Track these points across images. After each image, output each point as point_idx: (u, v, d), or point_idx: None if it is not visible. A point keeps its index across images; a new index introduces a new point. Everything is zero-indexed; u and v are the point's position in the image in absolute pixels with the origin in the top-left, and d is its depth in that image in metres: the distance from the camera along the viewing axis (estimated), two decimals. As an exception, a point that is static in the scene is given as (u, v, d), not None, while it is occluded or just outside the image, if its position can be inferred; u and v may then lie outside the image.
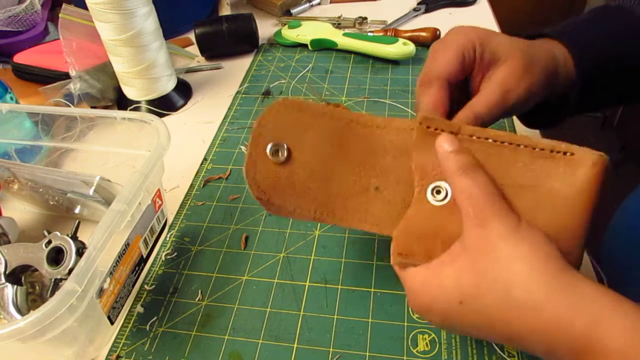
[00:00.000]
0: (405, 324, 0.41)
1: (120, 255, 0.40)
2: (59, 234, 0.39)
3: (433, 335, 0.40)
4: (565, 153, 0.31)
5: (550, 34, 0.42)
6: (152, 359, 0.40)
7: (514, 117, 0.56)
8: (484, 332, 0.29)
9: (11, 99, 0.58)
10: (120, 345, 0.41)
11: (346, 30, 0.79)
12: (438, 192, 0.33)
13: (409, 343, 0.39)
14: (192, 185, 0.56)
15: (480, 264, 0.28)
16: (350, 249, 0.47)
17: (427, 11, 0.87)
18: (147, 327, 0.42)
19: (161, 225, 0.47)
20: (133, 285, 0.44)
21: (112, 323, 0.41)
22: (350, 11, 0.87)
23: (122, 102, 0.68)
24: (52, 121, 0.53)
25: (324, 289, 0.44)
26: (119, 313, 0.42)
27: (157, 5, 0.62)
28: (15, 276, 0.39)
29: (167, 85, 0.67)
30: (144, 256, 0.45)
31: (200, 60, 0.79)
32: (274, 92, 0.70)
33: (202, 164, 0.59)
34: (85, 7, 0.59)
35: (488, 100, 0.37)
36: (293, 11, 0.89)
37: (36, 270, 0.39)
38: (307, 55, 0.77)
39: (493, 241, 0.29)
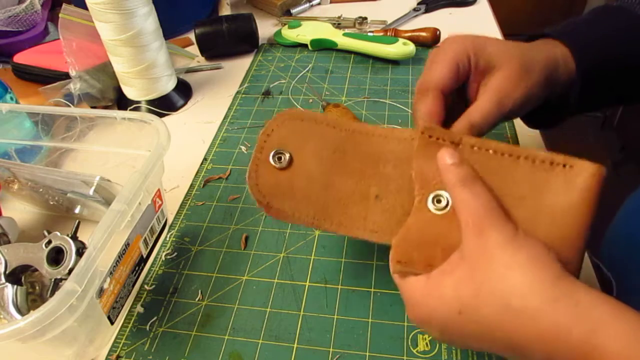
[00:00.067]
0: (405, 324, 0.41)
1: (120, 255, 0.40)
2: (59, 234, 0.39)
3: (433, 335, 0.40)
4: (564, 165, 0.31)
5: (551, 34, 0.42)
6: (152, 359, 0.40)
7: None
8: (484, 343, 0.29)
9: (11, 99, 0.58)
10: (120, 345, 0.41)
11: (346, 30, 0.79)
12: (439, 201, 0.33)
13: (409, 343, 0.39)
14: (192, 185, 0.56)
15: (479, 274, 0.28)
16: (350, 249, 0.47)
17: (427, 11, 0.87)
18: (147, 327, 0.42)
19: (161, 225, 0.47)
20: (133, 285, 0.44)
21: (112, 323, 0.41)
22: (350, 11, 0.87)
23: (122, 102, 0.68)
24: (52, 121, 0.53)
25: (324, 289, 0.44)
26: (119, 313, 0.42)
27: (157, 5, 0.62)
28: (15, 276, 0.39)
29: (167, 85, 0.67)
30: (144, 256, 0.45)
31: (200, 60, 0.79)
32: (274, 92, 0.70)
33: (202, 164, 0.59)
34: (85, 7, 0.59)
35: (483, 108, 0.37)
36: (293, 11, 0.89)
37: (36, 270, 0.39)
38: (307, 55, 0.77)
39: (491, 250, 0.29)
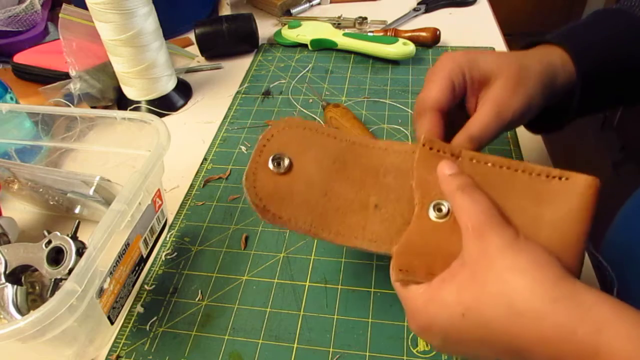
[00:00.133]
0: (405, 324, 0.41)
1: (120, 255, 0.40)
2: (59, 234, 0.39)
3: (433, 335, 0.40)
4: (560, 178, 0.32)
5: (549, 40, 0.42)
6: (152, 359, 0.40)
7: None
8: (487, 348, 0.29)
9: (11, 99, 0.58)
10: (120, 345, 0.41)
11: (346, 30, 0.79)
12: (440, 209, 0.34)
13: (409, 343, 0.39)
14: (192, 185, 0.56)
15: (480, 277, 0.28)
16: (350, 249, 0.47)
17: (427, 11, 0.87)
18: (147, 327, 0.42)
19: (161, 225, 0.47)
20: (133, 285, 0.44)
21: (112, 323, 0.41)
22: (350, 11, 0.87)
23: (122, 102, 0.68)
24: (52, 121, 0.53)
25: (324, 289, 0.44)
26: (119, 313, 0.42)
27: (157, 5, 0.62)
28: (15, 276, 0.39)
29: (167, 85, 0.67)
30: (144, 256, 0.45)
31: (200, 60, 0.79)
32: (274, 92, 0.70)
33: (202, 164, 0.59)
34: (85, 7, 0.59)
35: (482, 121, 0.38)
36: (293, 11, 0.89)
37: (36, 270, 0.39)
38: (307, 55, 0.77)
39: (491, 254, 0.29)
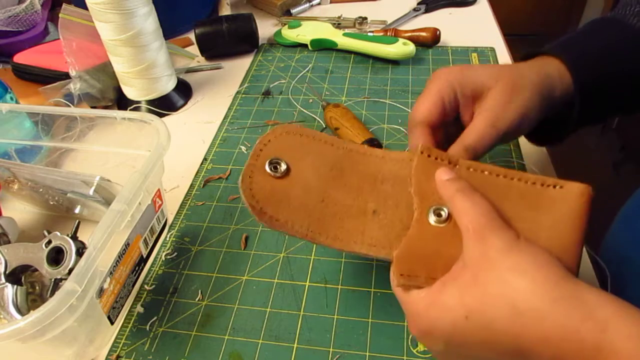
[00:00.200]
0: (405, 324, 0.41)
1: (120, 255, 0.40)
2: (59, 234, 0.39)
3: (433, 335, 0.40)
4: (555, 186, 0.33)
5: (546, 51, 0.42)
6: (152, 359, 0.40)
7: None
8: (490, 350, 0.28)
9: (11, 99, 0.58)
10: (120, 345, 0.41)
11: (346, 30, 0.79)
12: (439, 214, 0.34)
13: (409, 343, 0.39)
14: (192, 185, 0.56)
15: (482, 279, 0.28)
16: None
17: (427, 11, 0.87)
18: (147, 327, 0.42)
19: (161, 225, 0.48)
20: (133, 285, 0.44)
21: (112, 323, 0.41)
22: (350, 11, 0.87)
23: (122, 102, 0.68)
24: (52, 121, 0.53)
25: (324, 289, 0.44)
26: (119, 313, 0.42)
27: (157, 5, 0.62)
28: (15, 276, 0.39)
29: (167, 85, 0.67)
30: (144, 256, 0.45)
31: (200, 60, 0.79)
32: (274, 92, 0.70)
33: (202, 164, 0.59)
34: (85, 7, 0.59)
35: (477, 131, 0.38)
36: (293, 11, 0.89)
37: (36, 270, 0.39)
38: (307, 55, 0.77)
39: (492, 256, 0.29)
